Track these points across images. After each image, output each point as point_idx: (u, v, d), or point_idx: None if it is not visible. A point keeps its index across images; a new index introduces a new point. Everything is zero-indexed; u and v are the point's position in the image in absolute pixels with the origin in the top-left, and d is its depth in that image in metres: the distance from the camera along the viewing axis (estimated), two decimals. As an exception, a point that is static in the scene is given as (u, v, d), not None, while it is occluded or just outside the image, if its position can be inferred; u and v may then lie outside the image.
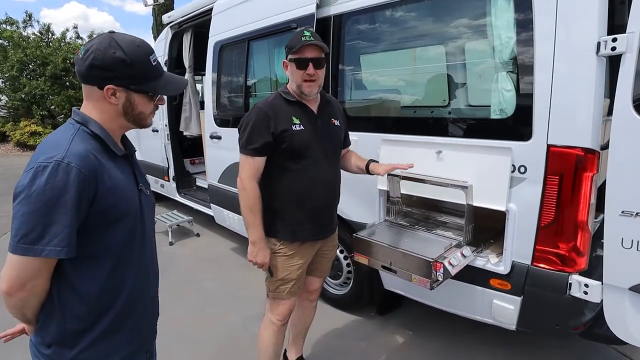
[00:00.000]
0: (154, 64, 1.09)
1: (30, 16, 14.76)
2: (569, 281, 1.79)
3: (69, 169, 0.94)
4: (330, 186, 1.92)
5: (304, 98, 1.84)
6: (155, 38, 6.78)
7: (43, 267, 0.98)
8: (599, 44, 1.60)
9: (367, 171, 1.99)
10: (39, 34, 14.66)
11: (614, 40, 1.56)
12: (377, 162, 2.03)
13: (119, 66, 1.02)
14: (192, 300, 3.31)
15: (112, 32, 1.07)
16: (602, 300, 1.73)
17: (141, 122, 1.14)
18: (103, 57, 1.01)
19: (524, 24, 1.82)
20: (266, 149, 1.78)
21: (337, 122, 1.96)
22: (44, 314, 1.06)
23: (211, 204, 4.25)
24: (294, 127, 1.78)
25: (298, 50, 1.74)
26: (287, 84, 1.89)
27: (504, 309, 2.01)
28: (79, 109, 1.10)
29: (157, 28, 18.86)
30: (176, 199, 5.26)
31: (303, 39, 1.72)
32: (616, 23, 2.22)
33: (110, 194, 1.03)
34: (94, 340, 1.07)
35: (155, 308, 1.30)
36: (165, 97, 1.21)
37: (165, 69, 4.94)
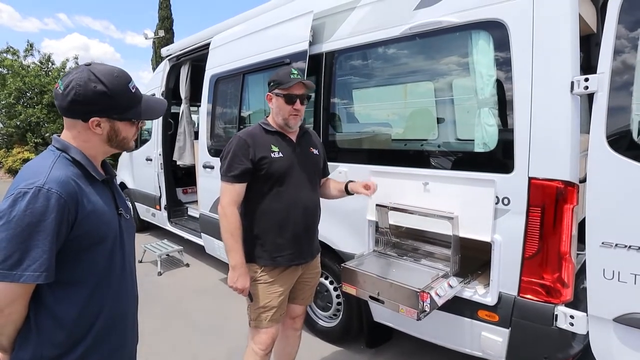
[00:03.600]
0: (133, 91, 1.12)
1: (31, 46, 15.09)
2: (555, 312, 1.80)
3: (50, 195, 0.96)
4: (309, 211, 1.96)
5: (287, 130, 1.94)
6: (154, 69, 6.97)
7: (21, 292, 0.98)
8: (572, 83, 1.70)
9: (347, 192, 2.09)
10: (39, 64, 14.93)
11: (586, 80, 1.66)
12: (354, 181, 2.11)
13: (101, 99, 1.05)
14: (178, 331, 3.23)
15: (88, 65, 1.09)
16: (588, 332, 1.74)
17: (124, 146, 1.17)
18: (84, 92, 1.03)
19: (503, 63, 1.93)
20: (245, 175, 1.85)
21: (315, 151, 2.05)
22: (19, 340, 1.04)
23: (202, 234, 4.23)
24: (272, 155, 1.87)
25: (289, 87, 1.85)
26: (267, 116, 2.00)
27: (492, 341, 2.00)
28: (59, 136, 1.12)
29: (157, 60, 19.33)
30: (167, 228, 5.23)
31: (292, 76, 1.85)
32: (592, 64, 2.36)
33: (90, 219, 1.04)
34: None
35: (134, 332, 1.29)
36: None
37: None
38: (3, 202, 0.96)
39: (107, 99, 1.06)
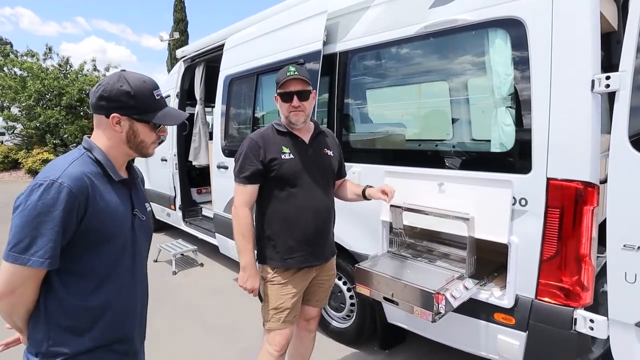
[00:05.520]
0: (157, 97, 1.21)
1: (50, 49, 15.43)
2: (574, 316, 1.76)
3: (61, 188, 1.03)
4: (321, 213, 1.94)
5: (294, 128, 1.93)
6: (169, 71, 7.06)
7: (31, 275, 1.05)
8: (593, 81, 1.66)
9: (364, 196, 2.06)
10: (57, 66, 15.27)
11: (608, 78, 1.62)
12: (372, 186, 2.08)
13: (123, 97, 1.15)
14: (192, 331, 3.26)
15: (123, 71, 1.20)
16: (609, 337, 1.70)
17: (142, 150, 1.24)
18: (110, 90, 1.15)
19: (521, 62, 1.89)
20: (256, 177, 1.86)
21: (330, 152, 2.03)
22: (32, 323, 1.13)
23: (216, 234, 4.27)
24: (283, 156, 1.86)
25: (283, 85, 1.86)
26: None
27: (509, 344, 1.97)
28: (89, 137, 1.22)
29: (172, 62, 19.58)
30: (181, 227, 5.29)
31: (288, 74, 1.84)
32: (613, 62, 2.31)
33: (99, 215, 1.11)
34: (76, 354, 1.13)
35: (142, 329, 1.35)
36: (167, 128, 1.32)
37: (176, 100, 5.15)
38: (23, 192, 1.06)
39: (129, 98, 1.15)
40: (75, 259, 1.09)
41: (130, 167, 1.30)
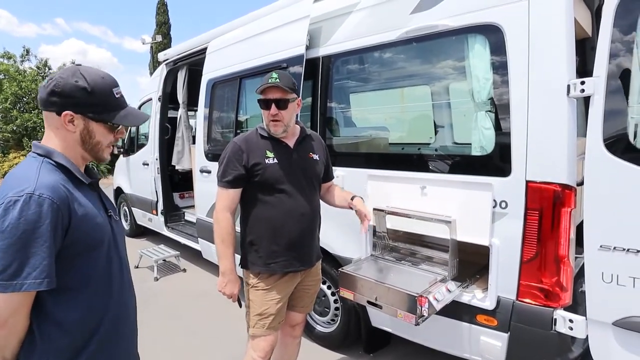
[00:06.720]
0: (117, 96, 1.12)
1: (27, 51, 15.08)
2: (554, 316, 1.79)
3: (42, 201, 0.94)
4: (306, 218, 1.92)
5: (278, 136, 1.89)
6: (152, 74, 6.98)
7: (23, 301, 0.96)
8: (568, 86, 1.70)
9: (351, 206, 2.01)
10: (35, 68, 14.91)
11: (582, 83, 1.66)
12: (362, 198, 2.04)
13: (79, 94, 1.05)
14: (175, 338, 3.20)
15: (79, 65, 1.11)
16: (587, 336, 1.73)
17: (97, 153, 1.14)
18: (64, 85, 1.04)
19: (500, 67, 1.93)
20: (239, 181, 1.84)
21: (315, 156, 2.00)
22: (23, 352, 1.02)
23: (199, 239, 4.21)
24: (266, 161, 1.84)
25: (262, 92, 1.83)
26: None
27: (491, 345, 1.99)
28: (39, 141, 1.11)
29: (154, 65, 19.33)
30: (163, 233, 5.20)
31: (269, 80, 1.79)
32: (588, 68, 2.37)
33: (83, 223, 1.03)
34: None
35: (134, 332, 1.29)
36: (124, 129, 1.21)
37: (158, 103, 5.07)
38: None
39: (85, 94, 1.05)
40: (65, 273, 1.01)
41: (87, 169, 1.20)
